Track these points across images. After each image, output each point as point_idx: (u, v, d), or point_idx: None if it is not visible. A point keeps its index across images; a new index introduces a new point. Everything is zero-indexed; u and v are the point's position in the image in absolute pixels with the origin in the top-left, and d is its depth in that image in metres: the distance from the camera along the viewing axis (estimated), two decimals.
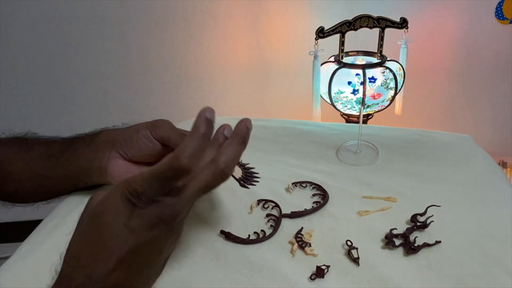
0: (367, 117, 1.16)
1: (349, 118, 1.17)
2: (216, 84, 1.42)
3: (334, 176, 0.70)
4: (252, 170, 0.56)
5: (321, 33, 1.00)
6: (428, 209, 0.58)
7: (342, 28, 1.01)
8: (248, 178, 0.54)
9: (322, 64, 1.08)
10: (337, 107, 1.10)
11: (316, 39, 1.01)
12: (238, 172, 0.54)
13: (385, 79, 1.02)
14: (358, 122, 0.76)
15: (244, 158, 0.57)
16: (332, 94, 1.06)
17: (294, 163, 0.74)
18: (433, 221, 0.56)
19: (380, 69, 1.02)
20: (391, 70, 1.03)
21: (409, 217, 0.58)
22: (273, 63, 1.38)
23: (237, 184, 0.53)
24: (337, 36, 1.02)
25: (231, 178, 0.53)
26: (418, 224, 0.57)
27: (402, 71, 1.08)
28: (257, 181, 0.54)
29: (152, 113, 1.46)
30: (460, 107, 1.42)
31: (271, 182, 0.67)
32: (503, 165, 1.40)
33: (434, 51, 1.33)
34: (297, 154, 0.77)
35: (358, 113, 1.09)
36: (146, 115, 1.46)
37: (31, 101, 1.42)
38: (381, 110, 1.11)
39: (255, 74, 1.41)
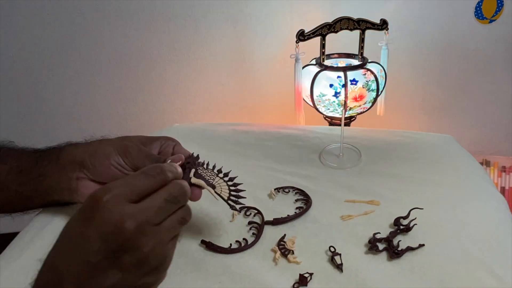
0: (350, 119, 1.16)
1: (332, 121, 1.16)
2: (198, 89, 1.41)
3: (317, 180, 0.69)
4: (236, 182, 0.53)
5: (302, 36, 1.00)
6: (411, 211, 0.58)
7: (323, 30, 1.00)
8: (235, 196, 0.52)
9: (303, 67, 1.07)
10: (320, 110, 1.09)
11: (296, 42, 1.01)
12: (225, 192, 0.52)
13: (367, 81, 1.02)
14: (341, 125, 0.75)
15: (226, 164, 0.55)
16: (314, 97, 1.05)
17: (276, 168, 0.73)
18: (416, 224, 0.56)
19: (361, 71, 1.02)
20: (372, 72, 1.03)
21: (392, 221, 0.58)
22: (255, 66, 1.38)
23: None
24: (318, 38, 1.02)
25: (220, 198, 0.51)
26: (401, 227, 0.56)
27: (383, 72, 1.08)
28: (244, 198, 0.52)
29: (133, 119, 1.44)
30: (441, 107, 1.43)
31: (254, 188, 0.66)
32: (486, 164, 1.41)
33: (414, 51, 1.34)
34: (279, 159, 0.76)
35: (340, 116, 1.09)
36: (127, 121, 1.44)
37: (5, 109, 1.39)
38: (364, 112, 1.11)
39: (237, 77, 1.40)
